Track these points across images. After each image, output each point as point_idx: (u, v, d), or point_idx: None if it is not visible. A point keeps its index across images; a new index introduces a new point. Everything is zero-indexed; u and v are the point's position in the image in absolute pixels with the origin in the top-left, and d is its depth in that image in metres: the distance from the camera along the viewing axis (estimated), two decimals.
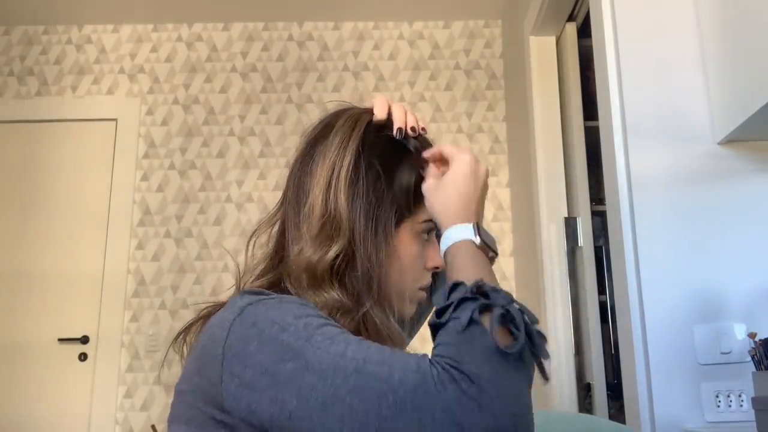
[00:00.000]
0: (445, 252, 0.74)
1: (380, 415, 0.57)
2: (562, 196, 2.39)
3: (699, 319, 1.37)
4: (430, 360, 0.59)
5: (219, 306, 0.76)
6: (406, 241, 0.79)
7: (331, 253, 0.75)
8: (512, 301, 0.63)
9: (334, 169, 0.78)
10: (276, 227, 0.84)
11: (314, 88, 3.15)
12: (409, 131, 0.81)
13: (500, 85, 3.14)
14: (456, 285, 0.65)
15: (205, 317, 0.78)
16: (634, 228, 1.41)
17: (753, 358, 1.22)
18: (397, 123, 0.81)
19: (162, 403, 2.82)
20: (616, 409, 2.06)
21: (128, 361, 2.86)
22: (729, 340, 1.35)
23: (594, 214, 2.31)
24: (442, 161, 0.82)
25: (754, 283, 1.38)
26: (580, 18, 2.42)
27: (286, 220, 0.82)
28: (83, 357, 2.86)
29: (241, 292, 0.74)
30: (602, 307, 2.20)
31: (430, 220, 0.80)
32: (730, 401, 1.32)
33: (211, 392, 0.66)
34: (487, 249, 0.74)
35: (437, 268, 0.83)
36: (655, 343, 1.36)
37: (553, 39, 2.53)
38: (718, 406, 1.32)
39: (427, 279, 0.84)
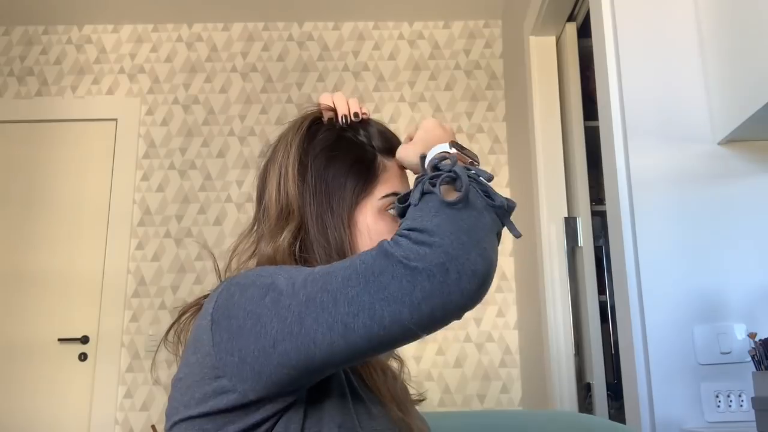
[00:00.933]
0: None
1: (347, 297, 0.60)
2: (562, 196, 2.39)
3: (699, 319, 1.37)
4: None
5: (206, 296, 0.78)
6: (369, 218, 0.81)
7: (283, 239, 0.78)
8: (466, 165, 0.69)
9: (281, 169, 0.83)
10: (252, 241, 0.88)
11: (314, 88, 3.15)
12: (352, 117, 0.86)
13: (500, 85, 3.14)
14: (418, 177, 0.70)
15: (195, 308, 0.80)
16: (634, 228, 1.41)
17: (753, 358, 1.22)
18: (340, 112, 0.86)
19: (162, 403, 2.82)
20: (616, 409, 2.06)
21: (128, 361, 2.86)
22: (729, 340, 1.35)
23: (594, 214, 2.31)
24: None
25: (754, 283, 1.38)
26: (580, 18, 2.42)
27: (257, 232, 0.87)
28: (83, 357, 2.86)
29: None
30: (602, 307, 2.20)
31: (391, 194, 0.83)
32: (730, 401, 1.33)
33: (206, 363, 0.67)
34: (466, 158, 0.76)
35: None
36: (655, 343, 1.36)
37: (553, 39, 2.53)
38: (718, 406, 1.32)
39: None
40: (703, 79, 1.48)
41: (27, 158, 3.08)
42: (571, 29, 2.45)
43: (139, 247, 2.98)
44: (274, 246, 0.79)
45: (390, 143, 0.87)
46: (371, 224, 0.81)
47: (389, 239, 0.63)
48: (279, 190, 0.82)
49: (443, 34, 3.21)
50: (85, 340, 2.87)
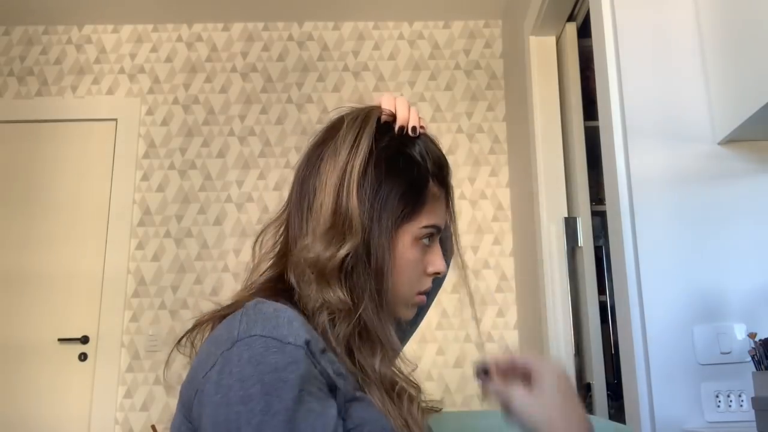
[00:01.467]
0: None
1: None
2: (562, 196, 2.39)
3: (699, 319, 1.37)
4: None
5: (231, 308, 0.76)
6: (405, 245, 0.79)
7: (343, 251, 0.75)
8: None
9: (346, 168, 0.78)
10: (281, 229, 0.84)
11: (314, 88, 3.15)
12: (410, 131, 0.81)
13: (500, 85, 3.14)
14: None
15: (214, 319, 0.78)
16: (634, 228, 1.41)
17: (753, 358, 1.22)
18: (399, 121, 0.81)
19: (162, 403, 2.82)
20: (616, 409, 2.06)
21: (128, 361, 2.86)
22: (729, 340, 1.35)
23: (594, 214, 2.31)
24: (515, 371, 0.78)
25: (754, 283, 1.38)
26: (580, 18, 2.42)
27: (289, 220, 0.83)
28: (83, 357, 2.86)
29: (253, 300, 0.73)
30: (602, 307, 2.20)
31: (432, 226, 0.80)
32: (730, 401, 1.33)
33: (192, 408, 0.69)
34: None
35: (438, 273, 0.83)
36: (655, 343, 1.36)
37: (553, 39, 2.53)
38: (718, 406, 1.32)
39: (427, 284, 0.83)
40: (703, 79, 1.47)
41: (27, 158, 3.08)
42: (571, 29, 2.45)
43: (139, 247, 2.98)
44: (330, 254, 0.75)
45: (443, 171, 0.83)
46: (405, 251, 0.79)
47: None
48: (339, 192, 0.77)
49: (443, 34, 3.21)
50: (85, 340, 2.87)
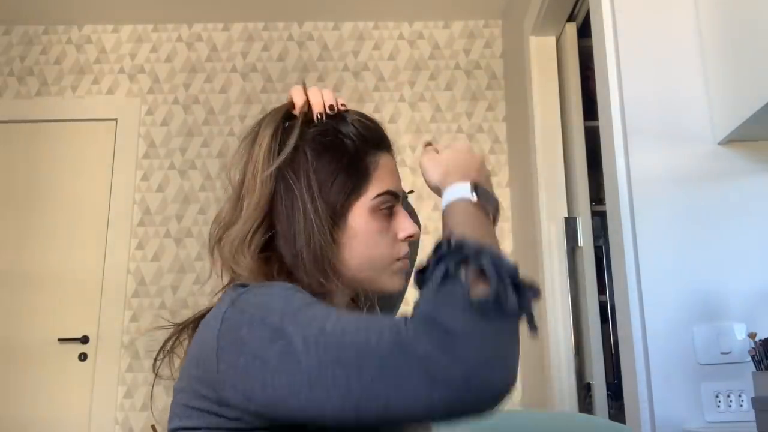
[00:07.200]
0: (442, 214, 0.75)
1: (361, 381, 0.58)
2: (562, 196, 2.39)
3: (699, 319, 1.37)
4: (406, 317, 0.60)
5: (208, 311, 0.77)
6: (361, 218, 0.79)
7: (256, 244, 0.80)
8: (493, 253, 0.63)
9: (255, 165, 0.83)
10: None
11: None
12: (328, 110, 0.82)
13: (500, 85, 3.14)
14: (437, 245, 0.66)
15: (194, 321, 0.80)
16: (634, 228, 1.41)
17: (753, 358, 1.23)
18: (316, 108, 0.83)
19: (162, 403, 2.81)
20: (616, 409, 2.06)
21: (128, 361, 2.86)
22: (729, 340, 1.35)
23: (594, 214, 2.31)
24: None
25: (754, 283, 1.38)
26: (580, 18, 2.42)
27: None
28: (83, 357, 2.86)
29: (232, 286, 0.76)
30: (602, 307, 2.20)
31: (386, 194, 0.80)
32: (730, 401, 1.33)
33: (209, 382, 0.67)
34: (487, 207, 0.74)
35: (411, 236, 0.84)
36: (655, 343, 1.36)
37: (553, 39, 2.53)
38: (718, 406, 1.32)
39: (403, 249, 0.84)
40: (703, 79, 1.48)
41: (27, 158, 3.08)
42: (571, 29, 2.45)
43: (139, 247, 2.98)
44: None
45: (379, 135, 0.84)
46: (365, 223, 0.79)
47: (406, 319, 0.60)
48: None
49: (443, 34, 3.21)
50: (85, 340, 2.87)
